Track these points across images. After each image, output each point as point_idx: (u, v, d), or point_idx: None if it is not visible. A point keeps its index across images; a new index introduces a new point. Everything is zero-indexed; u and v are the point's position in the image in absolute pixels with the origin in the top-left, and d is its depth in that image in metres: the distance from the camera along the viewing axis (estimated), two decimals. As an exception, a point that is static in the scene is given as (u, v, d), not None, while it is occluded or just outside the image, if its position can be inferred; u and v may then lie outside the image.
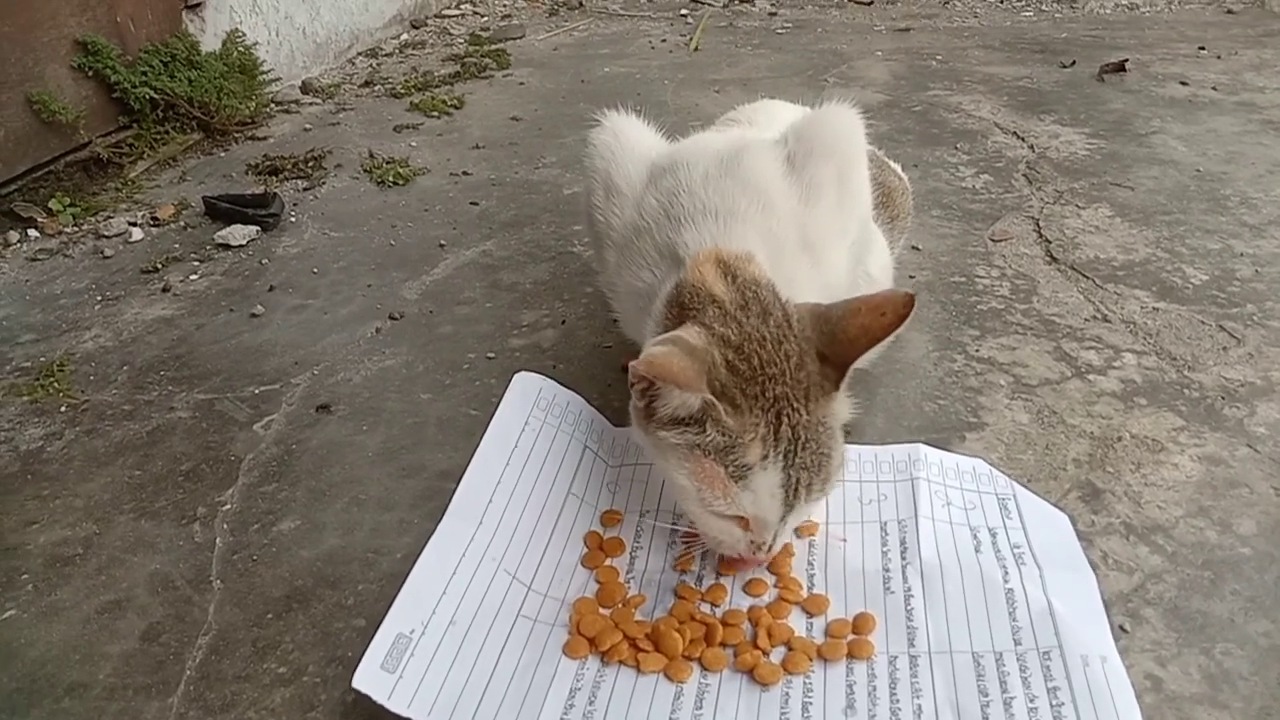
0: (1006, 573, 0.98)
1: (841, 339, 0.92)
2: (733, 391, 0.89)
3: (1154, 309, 1.51)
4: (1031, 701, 0.84)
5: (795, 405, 0.90)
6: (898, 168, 1.60)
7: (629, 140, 1.24)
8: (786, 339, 0.92)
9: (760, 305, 0.95)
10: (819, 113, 1.22)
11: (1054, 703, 0.84)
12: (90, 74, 2.16)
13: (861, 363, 0.94)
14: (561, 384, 1.22)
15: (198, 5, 2.54)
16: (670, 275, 1.04)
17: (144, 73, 2.27)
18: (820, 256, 1.12)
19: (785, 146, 1.16)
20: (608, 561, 1.04)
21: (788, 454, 0.89)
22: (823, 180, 1.13)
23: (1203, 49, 3.04)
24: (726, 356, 0.90)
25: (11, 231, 1.92)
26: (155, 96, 2.28)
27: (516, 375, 1.24)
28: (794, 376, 0.90)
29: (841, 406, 0.95)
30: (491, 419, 1.16)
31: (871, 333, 0.91)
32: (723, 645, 0.91)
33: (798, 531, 1.06)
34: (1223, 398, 1.28)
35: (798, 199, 1.12)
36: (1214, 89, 2.63)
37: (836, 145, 1.16)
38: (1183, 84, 2.68)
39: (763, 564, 0.98)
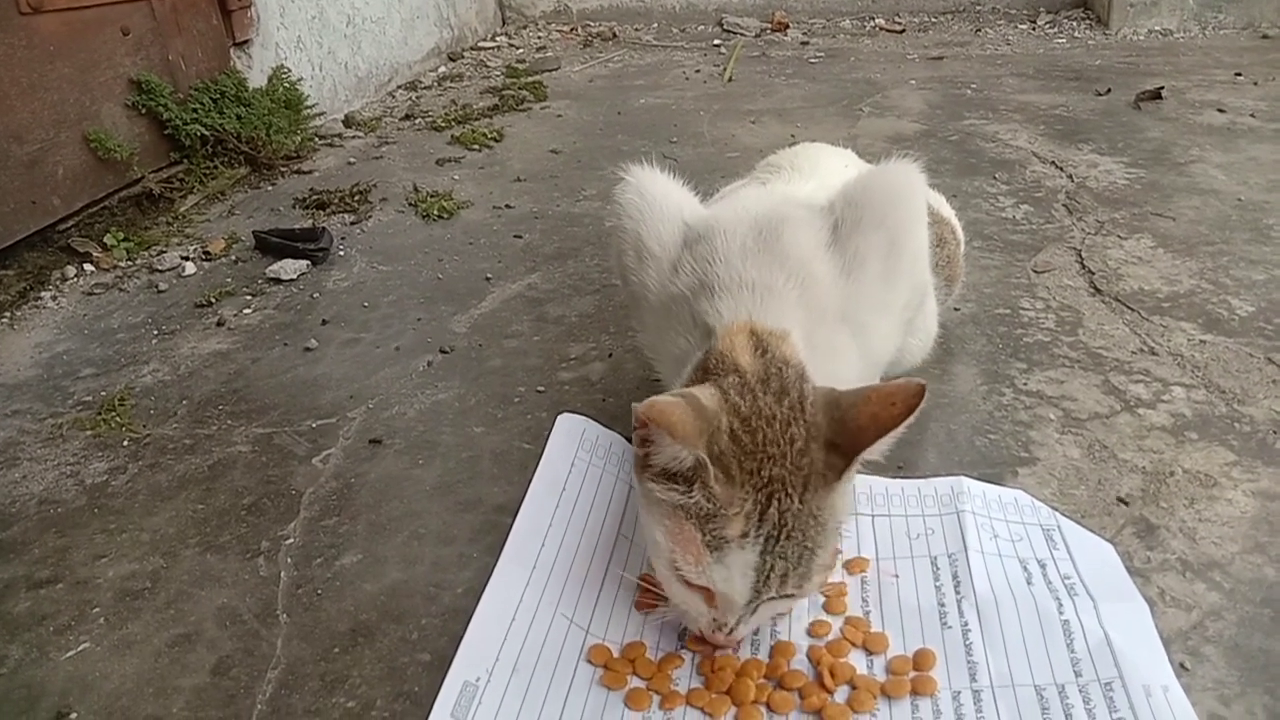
0: (1060, 604, 0.99)
1: (850, 427, 0.88)
2: (729, 461, 0.86)
3: (1201, 341, 1.50)
4: None
5: (790, 491, 0.86)
6: (951, 214, 1.53)
7: (656, 198, 1.19)
8: (796, 422, 0.89)
9: (780, 383, 0.92)
10: (873, 175, 1.19)
11: None
12: (143, 111, 2.22)
13: (873, 453, 0.88)
14: (612, 418, 1.23)
15: (245, 42, 2.61)
16: (703, 344, 1.02)
17: (194, 110, 2.33)
18: (862, 328, 1.10)
19: (833, 214, 1.14)
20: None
21: (769, 538, 0.86)
22: (868, 252, 1.10)
23: (1239, 75, 3.04)
24: (733, 425, 0.88)
25: (69, 266, 1.97)
26: (205, 133, 2.34)
27: (560, 416, 1.27)
28: (795, 462, 0.87)
29: (841, 500, 0.90)
30: (538, 461, 1.18)
31: (880, 422, 0.86)
32: (786, 687, 0.92)
33: (848, 567, 1.06)
34: (1274, 432, 1.28)
35: (839, 270, 1.09)
36: (1252, 115, 2.62)
37: (888, 214, 1.13)
38: (1220, 111, 2.67)
39: (725, 647, 0.94)
